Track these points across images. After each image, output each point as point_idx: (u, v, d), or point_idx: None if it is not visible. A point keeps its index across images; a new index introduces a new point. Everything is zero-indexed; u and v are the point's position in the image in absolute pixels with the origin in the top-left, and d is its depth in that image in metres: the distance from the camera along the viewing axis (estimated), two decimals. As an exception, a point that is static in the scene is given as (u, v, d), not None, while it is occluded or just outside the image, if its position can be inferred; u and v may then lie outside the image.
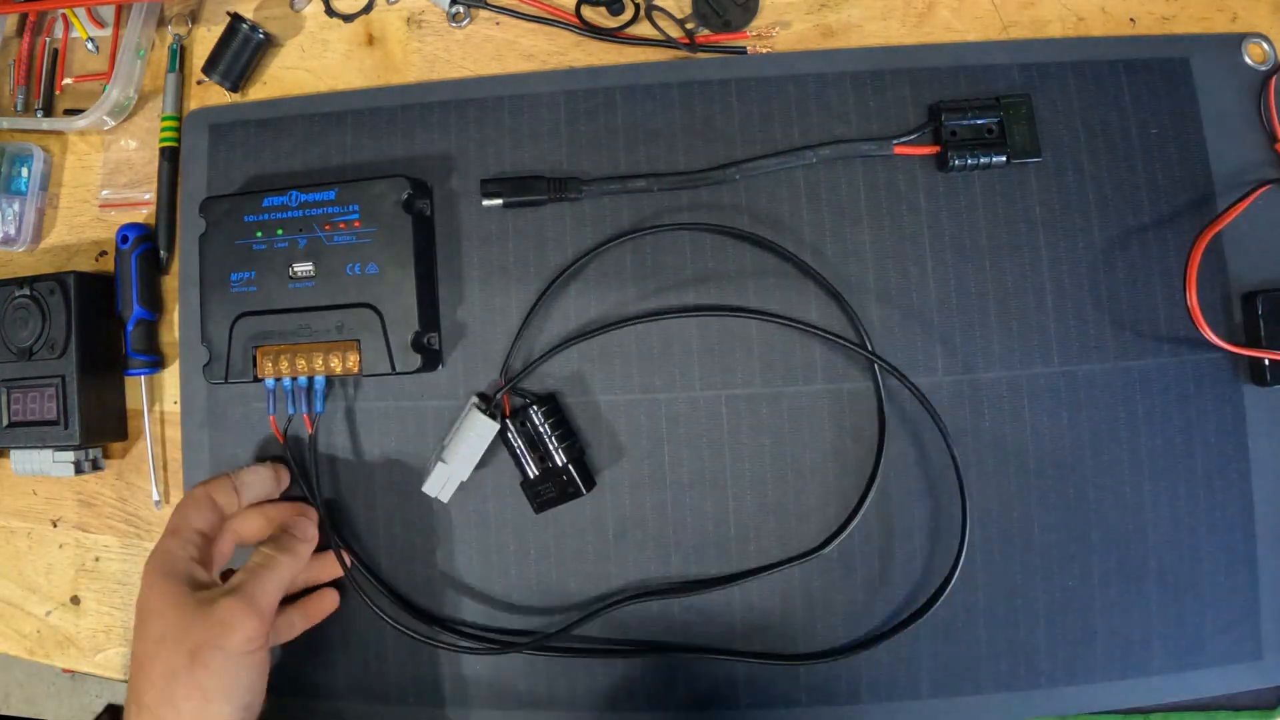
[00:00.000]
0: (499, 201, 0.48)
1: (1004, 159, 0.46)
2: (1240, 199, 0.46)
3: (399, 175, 0.46)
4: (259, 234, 0.46)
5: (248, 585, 0.40)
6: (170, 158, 0.52)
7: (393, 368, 0.45)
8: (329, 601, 0.47)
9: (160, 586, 0.40)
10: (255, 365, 0.46)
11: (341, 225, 0.46)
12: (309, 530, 0.45)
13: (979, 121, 0.47)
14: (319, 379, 0.46)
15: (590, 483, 0.46)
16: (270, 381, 0.46)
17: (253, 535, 0.45)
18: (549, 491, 0.46)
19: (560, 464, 0.46)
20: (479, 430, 0.45)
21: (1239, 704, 0.47)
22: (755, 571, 0.46)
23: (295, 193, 0.46)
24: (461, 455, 0.45)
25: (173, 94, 0.52)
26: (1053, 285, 0.47)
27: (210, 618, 0.38)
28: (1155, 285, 0.47)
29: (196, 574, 0.40)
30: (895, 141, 0.47)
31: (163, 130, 0.52)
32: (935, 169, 0.48)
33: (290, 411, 0.46)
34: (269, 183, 0.50)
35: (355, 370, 0.45)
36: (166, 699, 0.37)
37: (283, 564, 0.42)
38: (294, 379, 0.46)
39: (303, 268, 0.46)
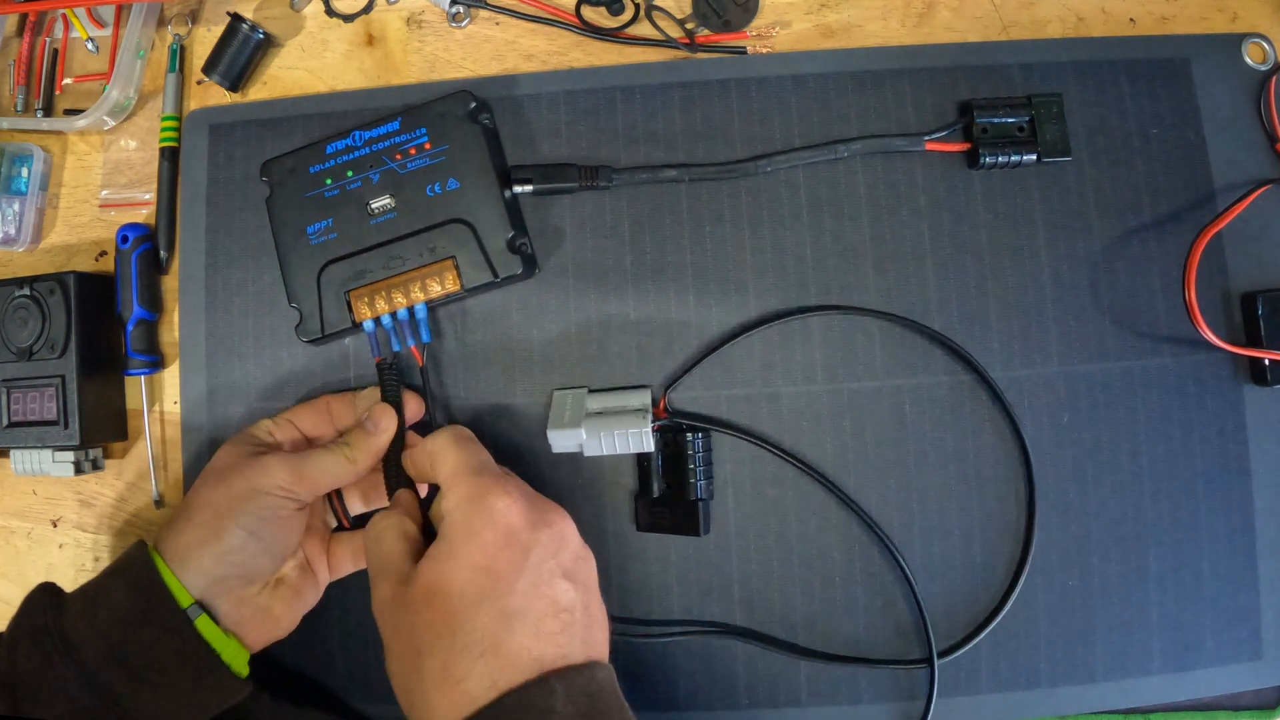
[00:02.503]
0: (529, 188, 0.47)
1: (1034, 157, 0.46)
2: (1240, 199, 0.46)
3: (461, 91, 0.46)
4: (328, 181, 0.46)
5: (303, 454, 0.42)
6: (170, 158, 0.52)
7: (494, 274, 0.45)
8: None
9: (228, 446, 0.43)
10: (350, 310, 0.45)
11: (412, 150, 0.46)
12: (381, 435, 0.43)
13: (1010, 120, 0.47)
14: (420, 307, 0.45)
15: (708, 528, 0.45)
16: (369, 324, 0.45)
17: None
18: (663, 516, 0.45)
19: (692, 499, 0.44)
20: (636, 441, 0.44)
21: (1239, 704, 0.47)
22: (824, 657, 0.46)
23: (358, 132, 0.46)
24: (603, 441, 0.44)
25: (173, 94, 0.52)
26: (1052, 285, 0.47)
27: (256, 462, 0.42)
28: (1155, 285, 0.47)
29: (263, 439, 0.44)
30: (927, 138, 0.47)
31: (163, 130, 0.52)
32: (958, 166, 0.48)
33: (395, 348, 0.46)
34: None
35: (456, 287, 0.44)
36: (185, 510, 0.41)
37: (342, 457, 0.42)
38: (393, 314, 0.45)
39: (380, 202, 0.46)
